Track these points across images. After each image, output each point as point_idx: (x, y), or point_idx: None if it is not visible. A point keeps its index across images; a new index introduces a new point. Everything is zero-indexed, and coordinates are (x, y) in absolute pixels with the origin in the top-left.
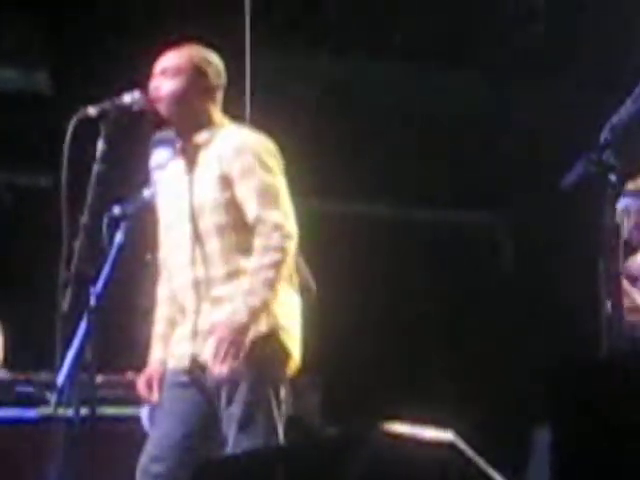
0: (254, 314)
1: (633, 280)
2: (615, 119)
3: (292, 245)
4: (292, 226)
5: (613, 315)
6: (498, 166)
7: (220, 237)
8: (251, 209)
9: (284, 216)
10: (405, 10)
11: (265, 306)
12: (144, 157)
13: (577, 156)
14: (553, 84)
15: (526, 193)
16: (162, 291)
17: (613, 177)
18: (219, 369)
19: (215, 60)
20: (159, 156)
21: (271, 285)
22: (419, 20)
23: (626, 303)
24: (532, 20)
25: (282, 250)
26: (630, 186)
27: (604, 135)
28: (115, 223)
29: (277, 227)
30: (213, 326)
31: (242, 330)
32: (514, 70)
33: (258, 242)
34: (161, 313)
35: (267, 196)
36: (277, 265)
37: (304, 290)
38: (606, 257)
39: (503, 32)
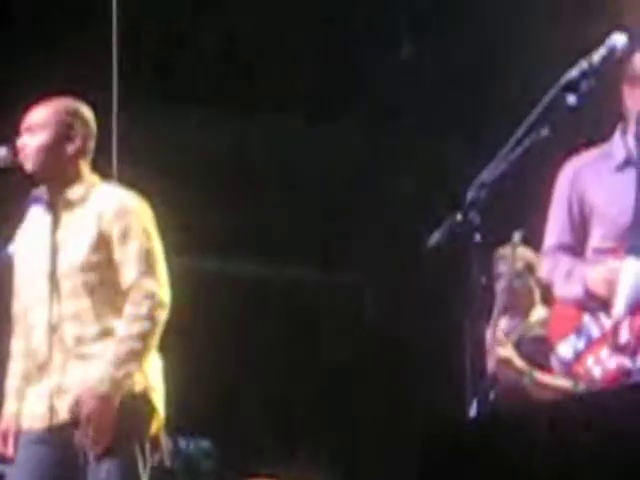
0: (117, 386)
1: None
2: (482, 177)
3: (163, 314)
4: (165, 294)
5: (475, 377)
6: (363, 225)
7: (90, 296)
8: (127, 274)
9: (158, 284)
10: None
11: (128, 378)
12: (13, 212)
13: (444, 215)
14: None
15: (393, 254)
16: (17, 345)
17: (478, 237)
18: (93, 451)
19: (83, 110)
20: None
21: (137, 356)
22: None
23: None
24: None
25: (152, 319)
26: (500, 251)
27: (470, 194)
28: None
29: (150, 295)
30: (78, 397)
31: (106, 402)
32: (381, 125)
33: (128, 309)
34: (15, 367)
35: (144, 262)
36: (145, 336)
37: None
38: (471, 319)
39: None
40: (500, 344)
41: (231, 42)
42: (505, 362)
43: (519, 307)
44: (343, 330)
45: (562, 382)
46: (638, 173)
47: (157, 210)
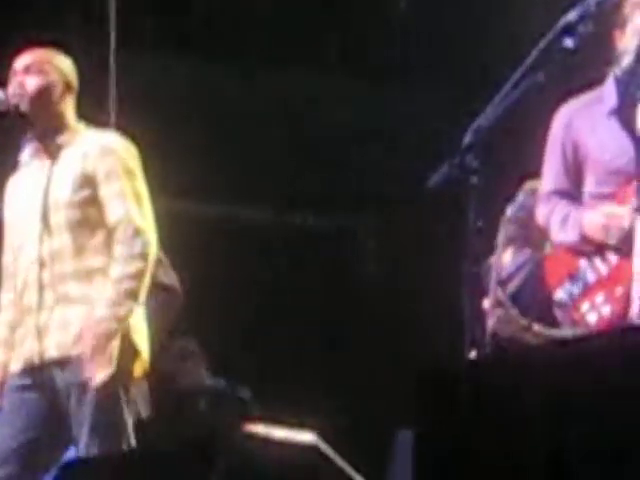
0: (120, 322)
1: (504, 283)
2: (479, 122)
3: (153, 251)
4: (153, 232)
5: (472, 316)
6: (363, 168)
7: (72, 233)
8: (114, 212)
9: (146, 222)
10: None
11: (129, 316)
12: (10, 157)
13: (442, 159)
14: (414, 84)
15: (392, 195)
16: (5, 298)
17: (475, 180)
18: (92, 376)
19: (68, 61)
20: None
21: (135, 295)
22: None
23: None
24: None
25: (145, 257)
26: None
27: (467, 138)
28: None
29: (139, 232)
30: (82, 329)
31: (110, 338)
32: (383, 72)
33: (120, 249)
34: (2, 318)
35: (131, 200)
36: (141, 275)
37: (168, 291)
38: (468, 259)
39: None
40: (500, 303)
41: None
42: (506, 320)
43: (528, 240)
44: (345, 276)
45: (563, 332)
46: (628, 118)
47: (152, 154)
